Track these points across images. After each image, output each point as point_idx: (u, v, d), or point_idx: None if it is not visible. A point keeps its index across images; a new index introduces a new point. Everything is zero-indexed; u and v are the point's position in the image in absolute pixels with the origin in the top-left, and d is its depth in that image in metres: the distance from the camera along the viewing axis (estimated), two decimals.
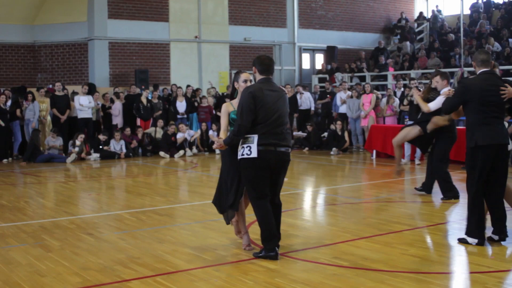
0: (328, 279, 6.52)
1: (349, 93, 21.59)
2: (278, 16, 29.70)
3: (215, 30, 27.73)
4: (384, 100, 20.40)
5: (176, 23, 26.74)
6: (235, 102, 7.64)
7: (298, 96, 22.82)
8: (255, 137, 7.13)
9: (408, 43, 30.86)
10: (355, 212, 10.49)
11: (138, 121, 20.85)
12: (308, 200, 11.92)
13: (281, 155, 7.30)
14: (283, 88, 8.08)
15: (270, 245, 7.29)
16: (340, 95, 21.68)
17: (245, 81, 7.56)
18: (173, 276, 6.70)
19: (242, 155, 7.19)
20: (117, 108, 20.68)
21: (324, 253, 7.55)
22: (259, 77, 7.36)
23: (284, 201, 11.54)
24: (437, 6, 34.05)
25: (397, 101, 20.17)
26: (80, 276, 6.69)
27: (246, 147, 7.16)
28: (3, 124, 18.63)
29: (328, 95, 23.11)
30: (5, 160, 18.77)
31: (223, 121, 7.71)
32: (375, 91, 20.64)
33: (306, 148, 21.17)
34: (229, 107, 7.68)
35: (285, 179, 14.07)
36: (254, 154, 7.11)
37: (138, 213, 10.11)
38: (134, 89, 21.88)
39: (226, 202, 7.65)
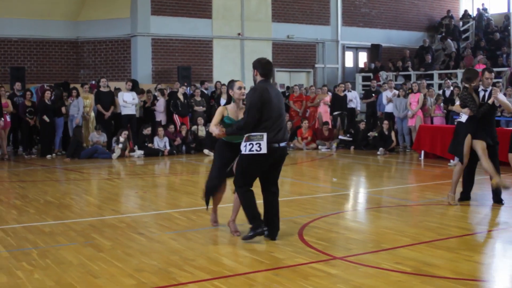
0: (393, 286, 6.21)
1: (395, 92, 21.18)
2: (322, 14, 29.37)
3: (258, 27, 27.50)
4: (432, 100, 19.95)
5: (219, 20, 26.55)
6: (230, 107, 8.24)
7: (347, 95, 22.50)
8: (265, 135, 7.64)
9: (450, 41, 30.25)
10: (410, 215, 10.15)
11: (176, 118, 20.62)
12: (359, 201, 11.60)
13: (282, 150, 7.92)
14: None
15: (256, 222, 7.87)
16: (386, 94, 21.26)
17: (240, 88, 8.14)
18: (231, 280, 6.43)
19: (251, 151, 7.67)
20: (161, 104, 20.49)
21: (384, 258, 7.23)
22: (259, 79, 7.93)
23: (335, 202, 11.40)
24: (483, 5, 33.41)
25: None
26: (134, 278, 6.46)
27: (256, 143, 7.65)
28: (48, 120, 18.59)
29: (373, 94, 22.71)
30: (48, 156, 18.73)
31: (215, 119, 8.17)
32: (424, 90, 20.13)
33: (352, 147, 20.76)
34: (224, 111, 8.20)
35: (334, 179, 13.91)
36: (264, 150, 7.64)
37: (187, 213, 9.87)
38: (177, 85, 21.69)
39: (211, 186, 8.38)
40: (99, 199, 11.61)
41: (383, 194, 12.08)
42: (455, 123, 11.03)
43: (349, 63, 30.83)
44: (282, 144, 7.86)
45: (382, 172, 16.25)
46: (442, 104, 19.56)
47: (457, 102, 10.92)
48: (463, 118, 10.51)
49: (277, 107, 7.79)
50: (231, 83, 8.39)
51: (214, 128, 8.08)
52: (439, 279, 6.42)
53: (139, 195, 12.06)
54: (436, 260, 7.11)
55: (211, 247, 7.82)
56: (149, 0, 25.05)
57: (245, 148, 7.74)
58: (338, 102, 22.17)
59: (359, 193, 12.27)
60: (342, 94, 22.18)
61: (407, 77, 26.79)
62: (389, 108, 20.95)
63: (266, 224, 8.03)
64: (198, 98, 21.16)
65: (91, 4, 25.31)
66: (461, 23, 33.01)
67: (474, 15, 33.51)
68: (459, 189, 10.87)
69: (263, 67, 7.91)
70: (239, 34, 26.98)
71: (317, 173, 16.13)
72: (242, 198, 7.96)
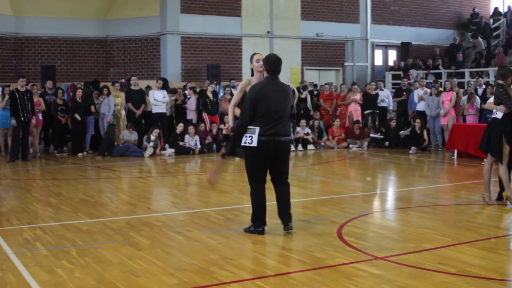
0: (438, 287, 6.09)
1: (426, 90, 20.97)
2: (351, 12, 29.20)
3: (287, 25, 27.41)
4: (465, 98, 19.74)
5: (249, 18, 26.49)
6: (254, 79, 8.57)
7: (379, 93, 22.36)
8: (257, 129, 7.98)
9: (481, 39, 29.93)
10: (448, 215, 10.01)
11: (205, 116, 20.56)
12: (395, 200, 11.44)
13: (280, 144, 8.13)
14: (288, 84, 8.59)
15: (258, 222, 8.29)
16: (418, 92, 21.05)
17: (258, 60, 8.47)
18: (273, 279, 6.35)
19: (244, 143, 8.09)
20: (192, 103, 20.47)
21: (427, 258, 7.10)
22: (265, 75, 8.19)
23: (371, 201, 11.30)
24: None
25: (478, 99, 19.53)
26: (175, 277, 6.40)
27: (249, 136, 8.03)
28: (79, 118, 18.65)
29: (404, 93, 22.51)
30: (80, 154, 18.80)
31: (237, 96, 8.72)
32: (456, 88, 19.93)
33: (387, 143, 20.58)
34: (247, 83, 8.65)
35: (368, 178, 13.79)
36: (254, 144, 7.99)
37: (224, 211, 9.80)
38: (207, 84, 21.65)
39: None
40: (133, 197, 11.58)
41: (418, 193, 11.92)
42: (489, 120, 10.79)
43: (378, 61, 30.63)
44: (280, 138, 8.10)
45: (415, 171, 16.09)
46: (475, 102, 19.30)
47: (490, 100, 10.77)
48: (499, 115, 10.29)
49: (275, 103, 8.05)
50: (252, 56, 8.66)
51: (224, 127, 8.85)
52: (484, 280, 6.30)
53: (173, 193, 12.02)
54: (479, 261, 6.99)
55: (250, 246, 7.76)
56: None
57: (243, 140, 8.14)
58: (369, 101, 22.01)
59: (393, 192, 12.13)
60: (373, 92, 22.01)
61: (438, 75, 26.52)
62: (420, 106, 20.74)
63: (279, 213, 8.39)
64: (228, 96, 21.08)
65: (121, 3, 25.38)
66: (491, 20, 32.61)
67: (505, 12, 33.11)
68: (495, 188, 10.72)
69: (269, 64, 8.14)
70: (268, 32, 26.90)
71: (350, 172, 16.01)
72: (251, 192, 8.38)
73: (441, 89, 20.52)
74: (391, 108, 23.15)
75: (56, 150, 19.31)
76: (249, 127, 8.05)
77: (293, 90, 8.69)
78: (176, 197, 11.57)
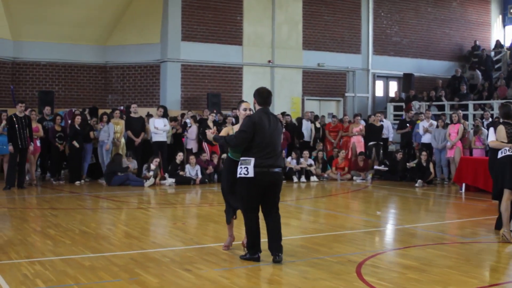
0: None
1: (432, 122, 20.59)
2: (353, 42, 28.93)
3: (288, 54, 27.10)
4: (472, 131, 19.36)
5: (250, 46, 26.16)
6: (236, 127, 8.75)
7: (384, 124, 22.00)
8: (252, 160, 8.13)
9: (478, 72, 29.68)
10: (469, 253, 9.50)
11: (205, 146, 20.05)
12: (410, 237, 10.90)
13: (274, 175, 8.33)
14: (279, 117, 8.31)
15: (254, 250, 8.42)
16: (423, 124, 20.66)
17: (245, 109, 8.63)
18: None
19: (240, 174, 8.20)
20: (193, 132, 19.99)
21: None
22: (257, 107, 8.40)
23: (386, 238, 10.78)
24: None
25: (485, 132, 19.12)
26: None
27: (244, 167, 8.16)
28: (77, 146, 18.17)
29: (408, 124, 22.12)
30: (77, 182, 18.28)
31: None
32: (463, 121, 19.56)
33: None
34: (229, 131, 8.91)
35: (378, 213, 13.33)
36: (251, 174, 8.13)
37: (233, 247, 9.25)
38: (206, 113, 21.20)
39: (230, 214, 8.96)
40: (137, 230, 11.06)
41: (432, 229, 11.44)
42: (502, 158, 10.37)
43: (379, 92, 30.29)
44: (274, 170, 8.30)
45: (424, 206, 15.63)
46: (482, 136, 18.89)
47: (491, 137, 10.47)
48: (511, 151, 10.20)
49: (270, 135, 8.24)
50: (239, 103, 8.83)
51: (211, 130, 8.85)
52: None
53: (177, 226, 11.48)
54: None
55: (265, 286, 7.27)
56: (180, 26, 24.70)
57: (238, 171, 8.25)
58: (374, 132, 21.60)
59: (407, 228, 11.61)
60: (378, 124, 21.61)
61: (440, 107, 26.20)
62: (425, 138, 20.37)
63: (269, 244, 8.43)
64: (229, 125, 20.61)
65: (121, 29, 25.01)
66: (492, 53, 32.37)
67: (506, 45, 32.91)
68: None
69: (259, 96, 8.41)
70: (269, 61, 26.58)
71: (358, 205, 15.49)
72: (245, 222, 8.47)
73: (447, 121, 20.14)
74: (391, 139, 22.73)
75: (53, 177, 18.77)
76: (244, 158, 8.23)
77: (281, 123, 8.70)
78: (181, 231, 11.02)
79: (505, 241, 9.93)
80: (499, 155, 10.36)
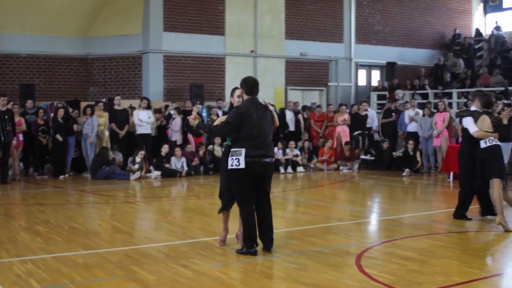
0: None
1: (417, 110, 20.52)
2: (335, 31, 28.73)
3: (271, 44, 26.84)
4: (458, 119, 19.31)
5: (232, 37, 25.89)
6: None
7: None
8: (243, 151, 8.09)
9: (461, 60, 29.69)
10: (467, 243, 9.48)
11: (190, 138, 19.82)
12: (404, 227, 10.75)
13: (265, 165, 8.28)
14: (269, 105, 8.57)
15: (250, 243, 8.23)
16: (408, 113, 20.59)
17: (239, 96, 8.53)
18: None
19: (232, 166, 8.14)
20: (177, 123, 19.76)
21: None
22: (245, 97, 8.35)
23: (381, 229, 10.69)
24: (496, 22, 32.74)
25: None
26: None
27: (235, 159, 8.10)
28: (61, 139, 17.88)
29: (393, 114, 22.04)
30: (61, 177, 18.00)
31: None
32: (449, 109, 19.51)
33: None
34: (222, 119, 8.64)
35: (369, 203, 13.22)
36: (242, 165, 8.08)
37: (227, 241, 9.04)
38: (188, 104, 20.99)
39: (227, 205, 8.74)
40: (127, 225, 10.87)
41: (424, 219, 11.33)
42: (489, 148, 10.34)
43: (361, 81, 30.16)
44: (265, 160, 8.26)
45: (414, 195, 15.59)
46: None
47: (473, 127, 10.34)
48: (495, 141, 10.33)
49: (259, 125, 8.20)
50: (233, 90, 8.75)
51: (192, 116, 8.89)
52: None
53: (168, 221, 11.29)
54: None
55: (265, 281, 7.11)
56: (162, 16, 24.37)
57: (229, 163, 8.18)
58: (359, 122, 21.53)
59: (399, 218, 11.49)
60: (363, 113, 21.54)
61: (424, 96, 26.15)
62: (411, 127, 20.32)
63: (260, 236, 8.37)
64: (215, 117, 20.45)
65: (102, 20, 24.64)
66: (472, 41, 32.34)
67: (487, 33, 32.93)
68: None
69: (246, 85, 8.36)
70: (252, 51, 26.33)
71: (347, 195, 15.34)
72: (241, 214, 8.39)
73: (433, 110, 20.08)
74: (375, 128, 22.63)
75: (36, 172, 18.46)
76: (234, 149, 8.18)
77: (272, 112, 8.57)
78: (172, 225, 10.82)
79: (506, 230, 9.83)
80: (483, 145, 10.29)
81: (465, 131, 10.68)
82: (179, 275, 7.31)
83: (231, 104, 8.73)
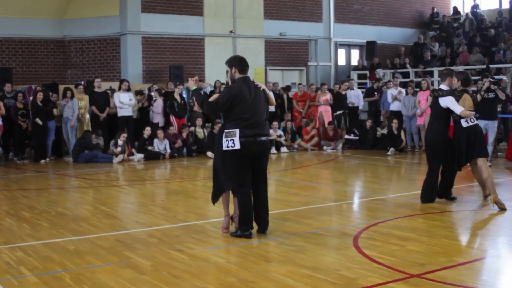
0: None
1: (400, 89, 20.41)
2: (314, 11, 28.55)
3: (250, 24, 26.61)
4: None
5: (211, 17, 25.61)
6: None
7: (348, 93, 21.81)
8: (237, 131, 7.89)
9: (437, 44, 29.77)
10: (464, 222, 9.37)
11: (173, 119, 19.56)
12: (397, 207, 10.57)
13: (261, 144, 8.09)
14: (260, 84, 8.31)
15: (246, 226, 8.07)
16: (391, 92, 20.47)
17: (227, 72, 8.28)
18: None
19: (227, 147, 7.93)
20: (159, 105, 19.47)
21: (466, 274, 6.41)
22: (238, 75, 8.11)
23: (374, 208, 10.49)
24: (474, 1, 32.71)
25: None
26: None
27: (230, 140, 7.90)
28: (41, 123, 17.54)
29: (376, 93, 21.92)
30: (42, 161, 17.69)
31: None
32: (432, 87, 19.38)
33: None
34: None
35: (358, 182, 13.03)
36: (237, 146, 7.90)
37: (220, 224, 8.81)
38: (171, 86, 20.69)
39: (224, 186, 8.38)
40: (116, 209, 10.64)
41: (416, 198, 11.10)
42: (471, 127, 10.22)
43: (341, 61, 30.01)
44: (261, 139, 8.07)
45: (402, 174, 15.50)
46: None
47: (457, 107, 10.09)
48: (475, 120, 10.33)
49: (252, 105, 8.00)
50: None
51: (194, 78, 8.68)
52: None
53: (157, 204, 11.07)
54: None
55: (264, 265, 6.91)
56: None
57: (224, 144, 7.98)
58: (339, 101, 21.41)
59: (392, 198, 11.35)
60: (343, 92, 21.47)
61: (405, 75, 26.07)
62: (394, 106, 20.19)
63: (255, 218, 8.20)
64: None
65: (78, 2, 24.22)
66: (451, 20, 32.29)
67: (465, 11, 32.90)
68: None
69: (241, 63, 8.16)
70: (231, 31, 26.07)
71: (335, 175, 15.14)
72: (237, 196, 8.21)
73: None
74: (361, 107, 22.51)
75: (17, 157, 18.08)
76: (228, 130, 7.98)
77: (265, 91, 8.35)
78: (162, 208, 10.60)
79: (501, 208, 9.72)
80: (465, 124, 10.14)
81: (441, 110, 10.21)
82: (175, 260, 7.10)
83: (227, 83, 8.57)
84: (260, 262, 7.03)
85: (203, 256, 7.27)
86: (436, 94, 10.13)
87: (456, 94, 10.13)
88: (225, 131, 8.02)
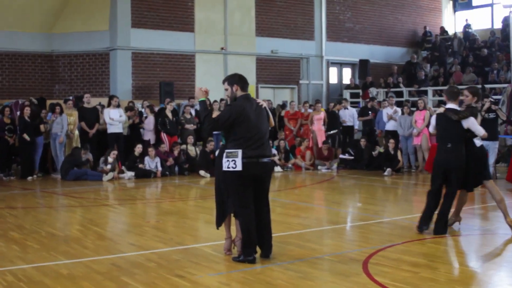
0: None
1: (396, 109, 20.09)
2: (306, 28, 28.30)
3: (241, 41, 26.28)
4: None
5: (202, 33, 25.29)
6: None
7: (342, 112, 21.48)
8: (239, 152, 7.53)
9: (428, 65, 29.61)
10: (477, 248, 8.98)
11: (164, 137, 19.11)
12: (403, 230, 10.14)
13: (264, 165, 7.72)
14: (262, 102, 8.00)
15: (249, 250, 7.68)
16: (387, 111, 20.14)
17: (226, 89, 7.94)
18: None
19: (227, 168, 7.57)
20: (150, 122, 19.03)
21: None
22: (240, 93, 7.79)
23: (380, 232, 10.03)
24: (466, 20, 32.59)
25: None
26: None
27: (232, 160, 7.54)
28: (28, 139, 17.05)
29: (370, 112, 21.59)
30: (29, 178, 17.17)
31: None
32: (429, 107, 19.10)
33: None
34: None
35: (358, 204, 12.69)
36: (239, 167, 7.52)
37: (220, 247, 8.29)
38: (167, 102, 20.19)
39: (228, 209, 7.99)
40: (108, 230, 10.18)
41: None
42: (480, 144, 9.76)
43: (333, 79, 29.73)
44: (263, 160, 7.72)
45: (401, 196, 15.14)
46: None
47: (481, 129, 9.62)
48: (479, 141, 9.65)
49: (255, 124, 7.69)
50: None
51: (203, 88, 8.00)
52: None
53: (151, 225, 10.60)
54: None
55: None
56: (129, 12, 23.65)
57: (224, 165, 7.65)
58: (333, 120, 21.07)
59: (395, 221, 10.94)
60: (337, 111, 21.18)
61: (398, 94, 25.80)
62: (389, 126, 19.85)
63: (259, 242, 7.82)
64: (188, 116, 19.78)
65: (67, 16, 23.81)
66: (439, 38, 32.15)
67: (458, 30, 32.76)
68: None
69: (242, 81, 7.90)
70: (222, 48, 25.73)
71: (334, 197, 14.65)
72: (239, 219, 7.85)
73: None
74: (356, 127, 22.15)
75: (3, 173, 17.53)
76: (230, 150, 7.60)
77: (266, 110, 8.01)
78: (157, 230, 10.12)
79: None
80: (479, 143, 9.68)
81: (461, 133, 9.52)
82: (176, 287, 6.66)
83: (226, 101, 8.07)
84: None
85: (206, 283, 6.84)
86: (461, 116, 9.42)
87: (474, 113, 9.61)
88: (227, 150, 7.65)
